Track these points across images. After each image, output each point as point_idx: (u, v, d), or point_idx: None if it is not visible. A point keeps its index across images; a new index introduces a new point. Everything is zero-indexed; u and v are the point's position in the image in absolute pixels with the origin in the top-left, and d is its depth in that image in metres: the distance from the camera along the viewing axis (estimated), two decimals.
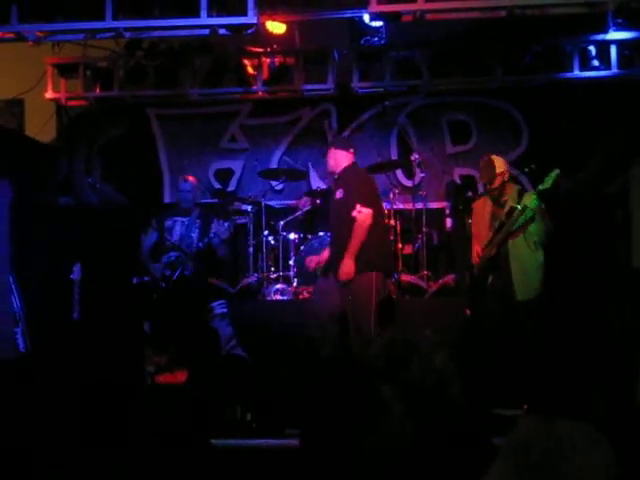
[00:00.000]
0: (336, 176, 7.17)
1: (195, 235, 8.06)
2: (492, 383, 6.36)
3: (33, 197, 8.48)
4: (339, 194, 6.99)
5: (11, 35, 7.94)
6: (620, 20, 8.54)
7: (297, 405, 5.91)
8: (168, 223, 8.16)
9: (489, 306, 6.77)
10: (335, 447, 3.14)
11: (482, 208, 7.13)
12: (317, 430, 2.61)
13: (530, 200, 6.68)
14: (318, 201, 8.70)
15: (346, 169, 7.05)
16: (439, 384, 2.76)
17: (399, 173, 9.61)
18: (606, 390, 5.02)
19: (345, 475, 3.08)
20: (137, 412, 5.09)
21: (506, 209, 6.91)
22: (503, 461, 1.97)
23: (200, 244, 7.94)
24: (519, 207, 6.68)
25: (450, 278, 8.39)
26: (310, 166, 9.59)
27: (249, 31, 8.13)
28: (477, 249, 7.02)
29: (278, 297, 8.40)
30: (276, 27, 8.32)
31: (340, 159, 7.08)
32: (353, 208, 6.75)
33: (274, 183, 9.37)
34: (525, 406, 6.16)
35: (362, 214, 6.72)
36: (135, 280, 7.87)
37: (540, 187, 6.63)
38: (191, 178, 8.51)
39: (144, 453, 3.98)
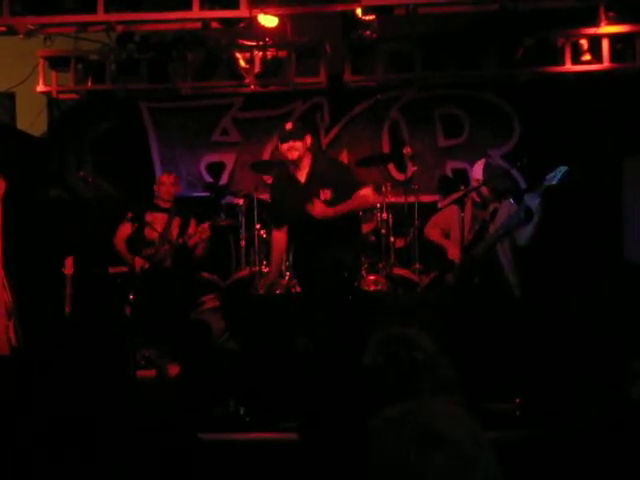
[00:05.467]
0: None
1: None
2: (485, 377, 6.36)
3: (25, 191, 8.47)
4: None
5: (2, 28, 7.93)
6: (612, 14, 8.56)
7: (291, 399, 5.92)
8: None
9: (482, 302, 6.74)
10: (334, 440, 3.15)
11: (468, 207, 7.08)
12: (316, 424, 2.63)
13: (530, 199, 6.61)
14: None
15: None
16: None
17: (391, 166, 9.61)
18: (600, 386, 5.03)
19: (342, 469, 3.09)
20: (128, 406, 5.09)
21: (490, 210, 6.88)
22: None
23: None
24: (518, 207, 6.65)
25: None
26: None
27: (241, 24, 8.13)
28: (454, 248, 6.96)
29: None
30: (268, 20, 8.30)
31: None
32: None
33: (266, 177, 9.37)
34: (518, 400, 6.16)
35: None
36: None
37: (546, 184, 6.56)
38: None
39: (136, 448, 3.98)
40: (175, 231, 7.92)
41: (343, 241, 6.72)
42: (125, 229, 7.88)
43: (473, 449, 1.85)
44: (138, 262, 7.64)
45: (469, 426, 1.92)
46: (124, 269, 7.71)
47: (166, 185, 8.11)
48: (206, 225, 7.60)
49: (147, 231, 7.82)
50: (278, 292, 8.35)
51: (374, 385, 2.92)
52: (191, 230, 7.82)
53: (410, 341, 3.08)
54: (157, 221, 7.90)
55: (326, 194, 6.69)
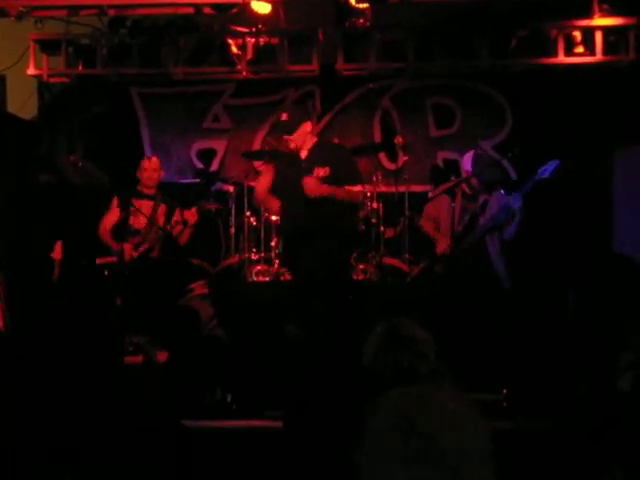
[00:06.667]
0: None
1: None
2: (472, 367, 6.37)
3: (15, 175, 8.43)
4: None
5: None
6: (605, 6, 8.55)
7: (278, 387, 5.91)
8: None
9: (471, 293, 6.75)
10: (319, 430, 3.15)
11: (459, 198, 7.09)
12: (302, 412, 2.63)
13: (513, 200, 6.59)
14: None
15: None
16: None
17: (382, 156, 9.60)
18: (588, 376, 5.05)
19: (327, 457, 3.09)
20: (114, 393, 5.08)
21: (480, 201, 6.88)
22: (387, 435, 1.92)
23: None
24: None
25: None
26: None
27: (234, 10, 8.10)
28: (443, 242, 6.97)
29: (259, 278, 8.39)
30: (261, 7, 8.28)
31: None
32: None
33: (257, 164, 9.36)
34: (505, 391, 6.17)
35: None
36: None
37: (537, 177, 6.53)
38: None
39: (121, 435, 3.97)
40: (161, 218, 7.80)
41: (335, 230, 6.70)
42: (111, 217, 7.77)
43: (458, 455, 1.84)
44: (126, 250, 7.55)
45: (463, 423, 1.91)
46: (112, 259, 7.60)
47: (148, 171, 7.96)
48: (194, 210, 7.56)
49: (132, 219, 7.70)
50: (267, 280, 8.34)
51: (371, 382, 2.93)
52: (176, 217, 7.73)
53: (411, 346, 3.09)
54: (142, 208, 7.76)
55: (319, 171, 6.64)
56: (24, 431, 4.03)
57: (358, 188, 6.71)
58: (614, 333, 5.56)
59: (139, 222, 7.68)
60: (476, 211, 6.85)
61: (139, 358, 6.97)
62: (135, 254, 7.59)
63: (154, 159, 8.08)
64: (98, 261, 7.61)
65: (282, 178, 6.85)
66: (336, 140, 9.29)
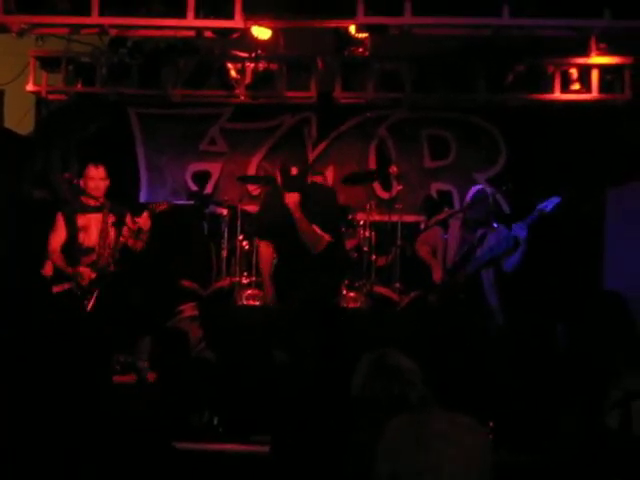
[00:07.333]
0: None
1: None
2: (458, 398, 6.35)
3: (9, 189, 8.43)
4: None
5: None
6: (603, 45, 8.62)
7: (266, 411, 5.89)
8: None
9: (463, 326, 6.74)
10: (305, 454, 3.15)
11: (454, 229, 7.10)
12: (289, 438, 2.64)
13: (518, 229, 6.59)
14: None
15: None
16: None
17: (376, 185, 9.64)
18: (578, 414, 5.05)
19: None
20: (101, 412, 5.06)
21: (479, 233, 6.89)
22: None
23: None
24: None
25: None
26: None
27: (234, 35, 8.14)
28: (439, 269, 6.98)
29: (250, 302, 8.39)
30: (262, 32, 8.33)
31: None
32: None
33: (251, 188, 9.38)
34: (490, 424, 6.16)
35: None
36: None
37: (537, 214, 6.54)
38: None
39: (108, 455, 3.95)
40: (112, 230, 7.11)
41: (326, 263, 6.66)
42: (58, 237, 7.09)
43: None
44: (83, 274, 6.94)
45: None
46: (69, 285, 6.95)
47: (95, 180, 7.11)
48: (145, 215, 6.98)
49: (82, 236, 7.06)
50: (257, 304, 8.33)
51: (362, 412, 2.94)
52: (128, 224, 7.11)
53: (399, 375, 3.10)
54: (91, 223, 7.09)
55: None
56: (24, 431, 4.01)
57: (325, 236, 6.58)
58: (604, 368, 5.57)
59: (90, 239, 7.05)
60: (474, 242, 6.87)
61: (128, 377, 6.95)
62: (93, 275, 6.94)
63: (101, 167, 7.18)
64: (55, 289, 6.97)
65: (273, 213, 6.78)
66: (331, 171, 9.36)
